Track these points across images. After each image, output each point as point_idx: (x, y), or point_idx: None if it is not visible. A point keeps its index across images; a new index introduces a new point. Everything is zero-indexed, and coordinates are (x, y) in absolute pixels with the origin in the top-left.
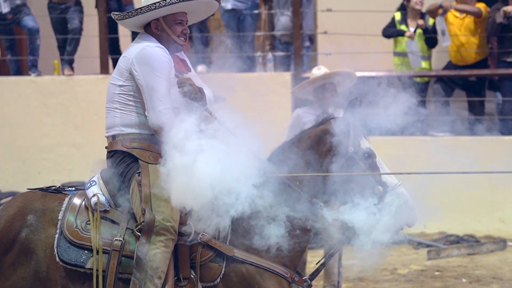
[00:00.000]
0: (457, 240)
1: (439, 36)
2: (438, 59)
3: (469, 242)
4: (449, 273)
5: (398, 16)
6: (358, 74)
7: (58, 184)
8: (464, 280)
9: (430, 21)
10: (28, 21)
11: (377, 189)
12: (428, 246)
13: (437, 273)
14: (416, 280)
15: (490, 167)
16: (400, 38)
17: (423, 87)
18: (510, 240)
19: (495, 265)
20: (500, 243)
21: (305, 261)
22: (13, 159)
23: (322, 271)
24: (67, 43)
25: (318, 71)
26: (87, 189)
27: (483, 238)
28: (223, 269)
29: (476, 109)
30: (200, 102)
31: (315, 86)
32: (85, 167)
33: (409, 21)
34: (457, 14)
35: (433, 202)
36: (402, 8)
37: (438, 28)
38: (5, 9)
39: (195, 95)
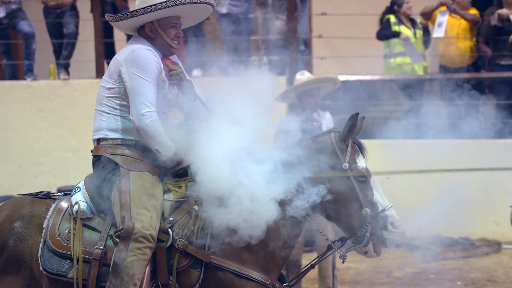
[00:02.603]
0: (452, 243)
1: (435, 27)
2: (429, 62)
3: (464, 245)
4: (444, 275)
5: (393, 18)
6: (353, 78)
7: (54, 188)
8: (459, 283)
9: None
10: (24, 26)
11: (364, 211)
12: (423, 249)
13: (432, 276)
14: (411, 283)
15: (485, 170)
16: (394, 40)
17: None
18: (505, 243)
19: (490, 268)
20: (495, 246)
21: (300, 264)
22: (9, 163)
23: (317, 274)
24: (63, 47)
25: (301, 76)
26: (72, 196)
27: (478, 241)
28: (201, 275)
29: (471, 111)
30: (189, 90)
31: (298, 92)
32: (81, 171)
33: (405, 22)
34: (453, 15)
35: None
36: (391, 12)
37: (437, 20)
38: (1, 13)
39: (185, 81)
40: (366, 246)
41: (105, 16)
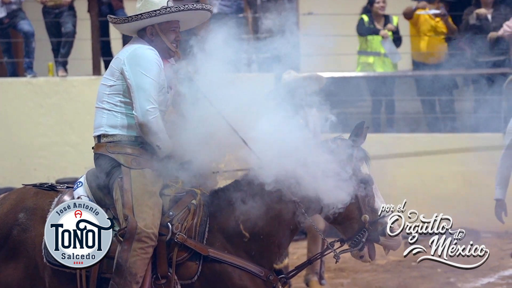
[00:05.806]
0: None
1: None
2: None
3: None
4: (425, 263)
5: (366, 18)
6: (339, 74)
7: (53, 181)
8: (439, 270)
9: (394, 21)
10: (24, 25)
11: (363, 217)
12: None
13: (413, 263)
14: (394, 270)
15: (464, 163)
16: (371, 38)
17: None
18: (483, 232)
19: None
20: (473, 234)
21: (286, 253)
22: (10, 157)
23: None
24: (61, 46)
25: (287, 75)
26: (74, 190)
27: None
28: (200, 268)
29: (448, 107)
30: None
31: (284, 90)
32: (79, 164)
33: (376, 23)
34: (432, 16)
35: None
36: (367, 11)
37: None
38: (2, 13)
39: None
40: (361, 251)
41: (108, 17)
